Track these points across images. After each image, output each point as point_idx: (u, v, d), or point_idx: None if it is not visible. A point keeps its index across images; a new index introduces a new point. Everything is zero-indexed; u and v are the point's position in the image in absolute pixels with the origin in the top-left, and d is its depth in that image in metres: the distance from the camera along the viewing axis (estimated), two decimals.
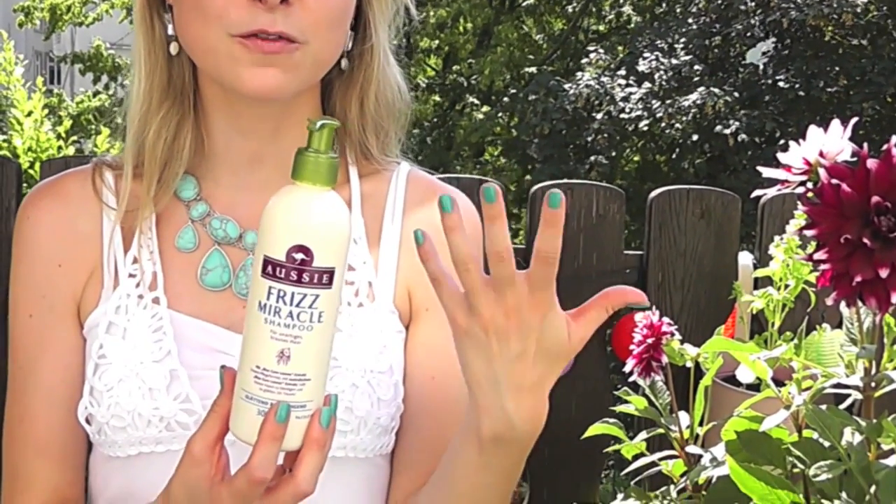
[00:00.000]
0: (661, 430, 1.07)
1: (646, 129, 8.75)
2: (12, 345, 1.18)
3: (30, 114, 3.37)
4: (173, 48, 1.12)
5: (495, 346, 0.91)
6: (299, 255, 0.86)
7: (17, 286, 1.18)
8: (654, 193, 2.16)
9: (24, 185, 1.81)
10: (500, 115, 10.82)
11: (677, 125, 8.45)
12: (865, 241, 0.77)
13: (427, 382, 1.15)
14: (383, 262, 1.16)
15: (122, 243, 1.15)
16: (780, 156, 0.91)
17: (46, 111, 3.60)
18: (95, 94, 9.83)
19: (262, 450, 0.88)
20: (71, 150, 3.50)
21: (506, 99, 10.35)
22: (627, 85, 8.99)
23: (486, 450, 0.99)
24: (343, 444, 1.09)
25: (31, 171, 3.05)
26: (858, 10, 8.15)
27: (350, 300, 1.13)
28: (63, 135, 3.61)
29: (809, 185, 0.88)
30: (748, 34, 8.84)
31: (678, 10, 10.35)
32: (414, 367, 1.15)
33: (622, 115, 8.78)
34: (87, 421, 1.11)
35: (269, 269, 0.87)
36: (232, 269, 1.14)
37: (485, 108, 11.84)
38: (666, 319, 1.07)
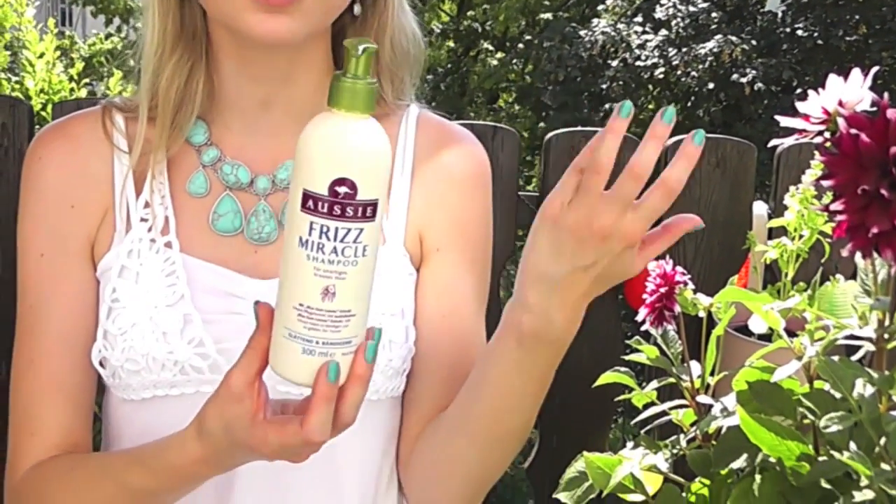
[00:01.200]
0: (672, 380, 1.07)
1: (661, 76, 8.70)
2: (22, 285, 1.17)
3: (42, 55, 3.37)
4: None
5: (571, 249, 0.91)
6: (343, 189, 0.83)
7: (27, 226, 1.17)
8: (669, 141, 2.14)
9: (37, 126, 1.80)
10: (514, 61, 10.76)
11: (693, 73, 8.40)
12: (883, 192, 0.76)
13: (438, 321, 1.15)
14: (394, 205, 1.16)
15: (133, 187, 1.15)
16: (799, 105, 0.90)
17: (58, 53, 3.58)
18: (107, 36, 9.79)
19: (317, 413, 0.88)
20: (83, 93, 3.49)
21: (520, 45, 10.30)
22: (644, 32, 8.93)
23: (525, 345, 0.99)
24: None
25: (42, 114, 3.04)
26: None
27: None
28: (75, 77, 3.60)
29: (827, 134, 0.88)
30: None
31: None
32: (425, 307, 1.16)
33: (638, 63, 8.73)
34: (101, 364, 1.12)
35: (310, 203, 0.84)
36: (243, 215, 1.14)
37: (499, 55, 11.77)
38: (679, 269, 1.07)
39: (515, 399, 1.06)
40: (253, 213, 1.14)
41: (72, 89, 3.43)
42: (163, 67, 1.14)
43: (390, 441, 1.18)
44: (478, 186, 1.21)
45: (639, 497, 0.99)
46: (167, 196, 1.15)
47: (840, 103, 0.87)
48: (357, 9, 1.14)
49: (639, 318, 1.09)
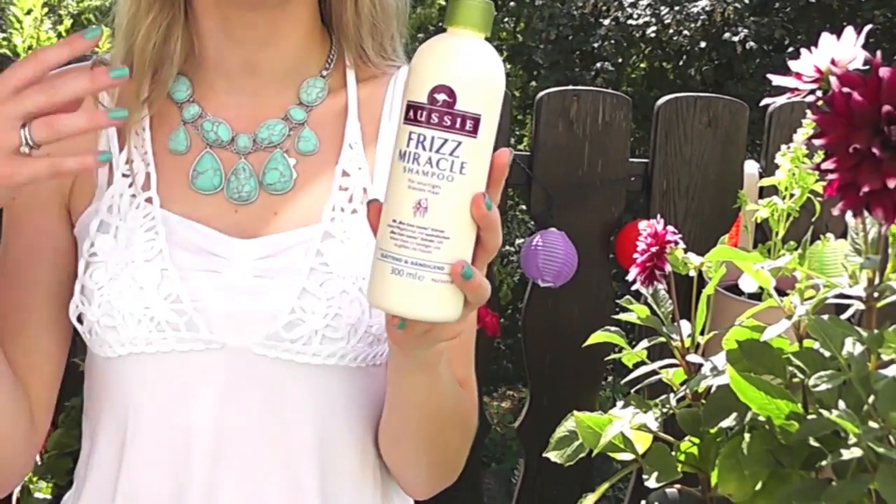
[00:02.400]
0: (662, 339, 1.08)
1: (653, 35, 8.65)
2: None
3: (29, 12, 3.33)
4: None
5: None
6: (441, 97, 0.81)
7: None
8: (660, 101, 2.15)
9: None
10: (505, 20, 10.70)
11: (685, 32, 8.36)
12: (875, 150, 0.76)
13: None
14: (379, 168, 1.15)
15: (116, 142, 1.14)
16: (791, 63, 0.90)
17: (46, 10, 3.55)
18: None
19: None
20: None
21: (512, 3, 10.23)
22: None
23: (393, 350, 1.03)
24: (333, 351, 1.09)
25: None
26: None
27: (343, 206, 1.12)
28: (63, 34, 3.57)
29: (819, 93, 0.87)
30: None
31: None
32: None
33: (630, 22, 8.68)
34: (79, 320, 1.11)
35: (411, 113, 0.82)
36: (223, 173, 1.13)
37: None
38: (670, 228, 1.07)
39: (413, 395, 1.08)
40: (233, 171, 1.13)
41: None
42: (138, 26, 1.12)
43: (376, 410, 1.18)
44: None
45: (629, 456, 1.00)
46: (149, 152, 1.14)
47: (832, 62, 0.87)
48: None
49: (629, 277, 1.09)
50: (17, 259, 1.15)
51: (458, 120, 0.82)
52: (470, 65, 0.83)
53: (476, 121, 0.82)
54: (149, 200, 1.12)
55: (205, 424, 1.10)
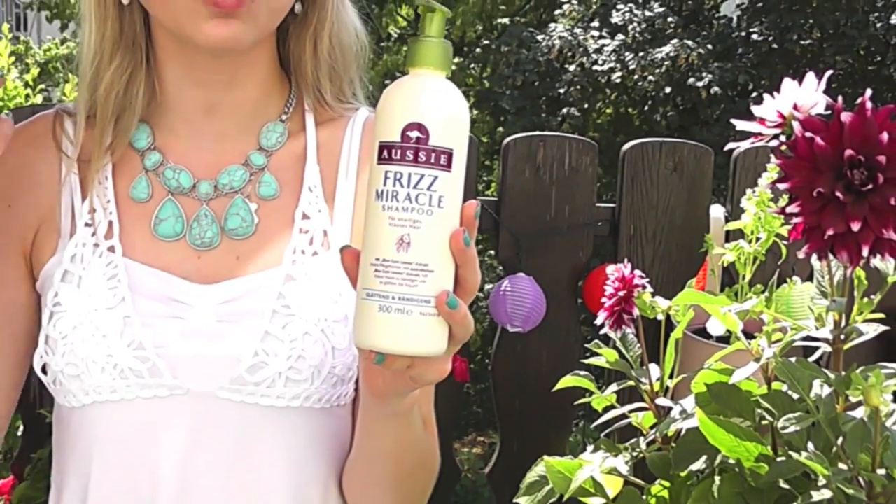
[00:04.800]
0: (631, 383, 1.08)
1: (618, 81, 8.74)
2: None
3: None
4: None
5: None
6: (414, 133, 0.83)
7: None
8: (626, 146, 2.16)
9: None
10: (472, 66, 10.76)
11: (650, 77, 8.44)
12: (838, 194, 0.77)
13: None
14: (339, 210, 1.16)
15: (80, 192, 1.14)
16: (755, 108, 0.91)
17: (13, 59, 3.55)
18: (63, 41, 9.71)
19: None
20: (39, 99, 3.46)
21: (478, 50, 10.29)
22: (601, 37, 8.97)
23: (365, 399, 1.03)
24: (297, 393, 1.09)
25: None
26: None
27: (304, 249, 1.13)
28: (31, 83, 3.56)
29: (783, 137, 0.88)
30: None
31: None
32: None
33: (595, 67, 8.76)
34: (44, 370, 1.11)
35: (385, 153, 0.84)
36: (185, 219, 1.13)
37: (457, 59, 11.76)
38: (637, 272, 1.08)
39: (384, 443, 1.08)
40: (195, 218, 1.13)
41: (27, 95, 3.39)
42: (101, 75, 1.13)
43: (341, 451, 1.17)
44: None
45: (599, 500, 0.99)
46: (112, 201, 1.14)
47: (795, 107, 0.88)
48: (298, 7, 1.14)
49: (598, 321, 1.09)
50: None
51: (433, 155, 0.83)
52: (438, 102, 0.85)
53: (449, 155, 0.84)
54: (111, 249, 1.12)
55: (170, 470, 1.09)
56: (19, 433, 2.11)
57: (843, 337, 0.89)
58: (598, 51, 8.82)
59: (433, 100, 0.85)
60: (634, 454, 1.02)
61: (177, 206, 1.14)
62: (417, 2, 0.87)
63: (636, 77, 8.53)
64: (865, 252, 0.77)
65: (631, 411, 1.08)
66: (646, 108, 9.23)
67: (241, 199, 1.14)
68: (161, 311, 1.09)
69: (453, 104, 0.86)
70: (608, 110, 10.16)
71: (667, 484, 0.98)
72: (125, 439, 1.09)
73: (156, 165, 1.15)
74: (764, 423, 0.90)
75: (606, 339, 1.11)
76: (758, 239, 1.21)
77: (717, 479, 0.88)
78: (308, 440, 1.13)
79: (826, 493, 0.80)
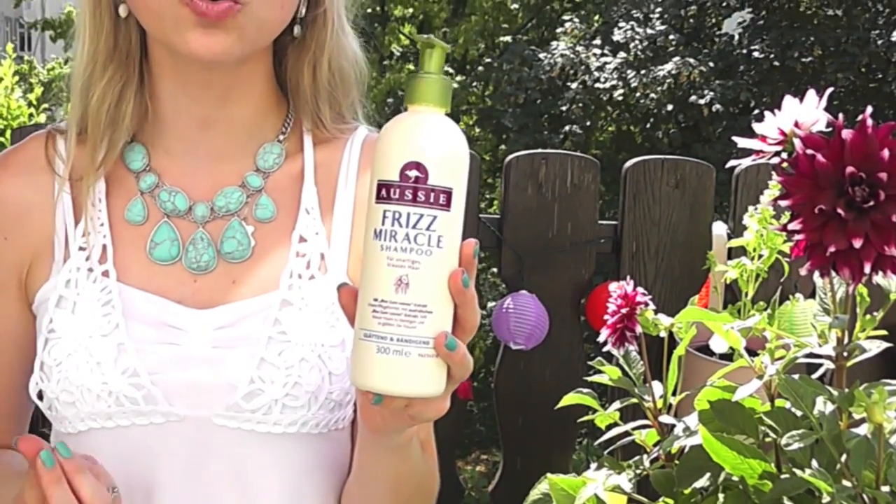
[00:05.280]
0: (634, 400, 1.08)
1: (620, 98, 8.75)
2: None
3: (0, 80, 3.34)
4: (122, 10, 1.09)
5: None
6: (413, 173, 0.82)
7: None
8: (628, 163, 2.16)
9: None
10: (474, 84, 10.78)
11: (652, 95, 8.46)
12: (840, 211, 0.77)
13: None
14: (336, 232, 1.14)
15: (73, 215, 1.14)
16: (756, 126, 0.91)
17: (17, 78, 3.56)
18: (66, 60, 9.73)
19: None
20: (42, 118, 3.47)
21: (480, 68, 10.33)
22: (602, 55, 8.99)
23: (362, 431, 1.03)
24: (293, 419, 1.08)
25: (1, 139, 3.02)
26: None
27: (301, 272, 1.12)
28: (34, 102, 3.58)
29: (784, 155, 0.89)
30: (724, 4, 8.84)
31: None
32: None
33: (597, 85, 8.78)
34: (39, 396, 1.11)
35: (383, 192, 0.83)
36: (181, 243, 1.12)
37: (459, 78, 11.79)
38: (640, 289, 1.08)
39: (382, 474, 1.07)
40: (191, 241, 1.12)
41: (31, 114, 3.41)
42: (92, 87, 1.12)
43: (339, 474, 1.16)
44: None
45: None
46: (106, 224, 1.13)
47: (796, 124, 0.88)
48: (297, 30, 1.13)
49: (601, 339, 1.09)
50: None
51: (432, 194, 0.82)
52: (437, 140, 0.84)
53: (448, 194, 0.83)
54: (105, 273, 1.11)
55: (167, 497, 1.09)
56: None
57: (846, 354, 0.89)
58: (600, 68, 8.84)
59: (432, 138, 0.84)
60: (638, 472, 1.02)
61: (172, 229, 1.13)
62: (417, 38, 0.86)
63: (638, 95, 8.54)
64: (867, 269, 0.77)
65: (634, 429, 1.07)
66: (648, 125, 9.25)
67: (237, 221, 1.13)
68: (155, 337, 1.08)
69: (452, 142, 0.85)
70: (610, 128, 10.17)
71: (671, 501, 0.98)
72: (121, 466, 1.08)
73: (151, 187, 1.14)
74: (767, 440, 0.90)
75: (609, 357, 1.11)
76: (760, 256, 1.21)
77: (720, 496, 0.88)
78: (305, 465, 1.12)
79: None
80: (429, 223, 0.82)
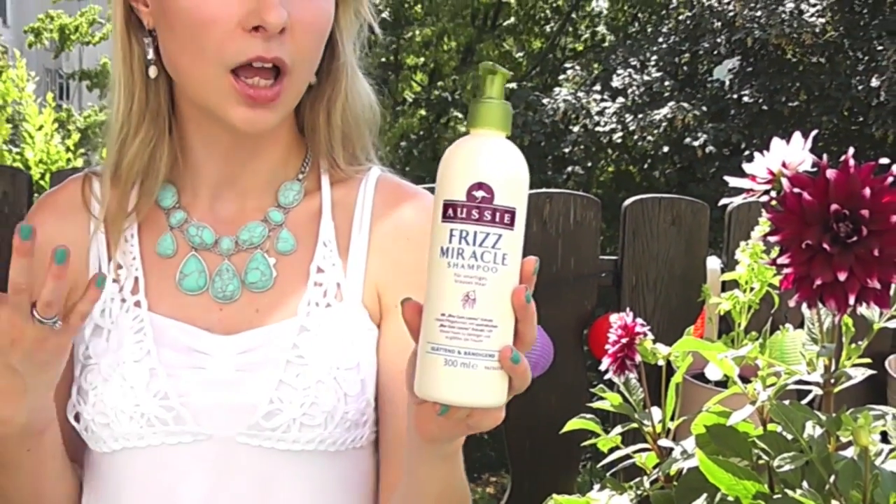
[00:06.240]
0: (634, 425, 1.07)
1: (619, 141, 8.77)
2: None
3: (41, 128, 3.37)
4: (152, 72, 1.10)
5: None
6: (480, 193, 0.80)
7: None
8: (627, 201, 2.17)
9: (35, 195, 1.80)
10: None
11: (649, 137, 8.47)
12: (825, 245, 0.77)
13: (397, 377, 1.13)
14: (352, 264, 1.15)
15: (106, 251, 1.16)
16: (746, 166, 0.91)
17: (56, 125, 3.59)
18: (102, 108, 9.80)
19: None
20: (79, 162, 3.49)
21: None
22: (602, 100, 9.02)
23: (413, 441, 0.99)
24: (311, 437, 1.08)
25: (41, 182, 3.04)
26: (817, 30, 8.18)
27: (318, 301, 1.12)
28: (72, 147, 3.60)
29: (773, 193, 0.89)
30: (715, 52, 8.87)
31: (649, 30, 10.40)
32: (385, 363, 1.14)
33: (597, 128, 8.80)
34: (76, 419, 1.11)
35: (450, 211, 0.81)
36: (208, 274, 1.14)
37: None
38: (639, 320, 1.08)
39: (430, 485, 1.04)
40: (217, 272, 1.14)
41: (69, 159, 3.43)
42: (127, 146, 1.13)
43: (358, 492, 1.16)
44: None
45: None
46: (138, 257, 1.15)
47: (784, 164, 0.89)
48: (313, 79, 1.14)
49: (602, 367, 1.09)
50: None
51: (498, 214, 0.81)
52: (502, 162, 0.83)
53: (512, 214, 0.82)
54: (137, 304, 1.12)
55: None
56: None
57: (833, 380, 0.89)
58: (600, 113, 8.87)
59: (497, 160, 0.83)
60: (639, 492, 1.02)
61: (200, 262, 1.14)
62: (482, 66, 0.85)
63: (636, 137, 8.56)
64: (852, 300, 0.77)
65: (635, 452, 1.07)
66: (645, 165, 9.27)
67: (260, 254, 1.14)
68: (183, 362, 1.09)
69: (516, 164, 0.83)
70: (610, 168, 10.19)
71: None
72: (152, 482, 1.10)
73: (180, 223, 1.16)
74: (761, 462, 0.90)
75: (611, 384, 1.11)
76: (752, 288, 1.21)
77: None
78: (325, 481, 1.12)
79: None
80: (494, 241, 0.81)
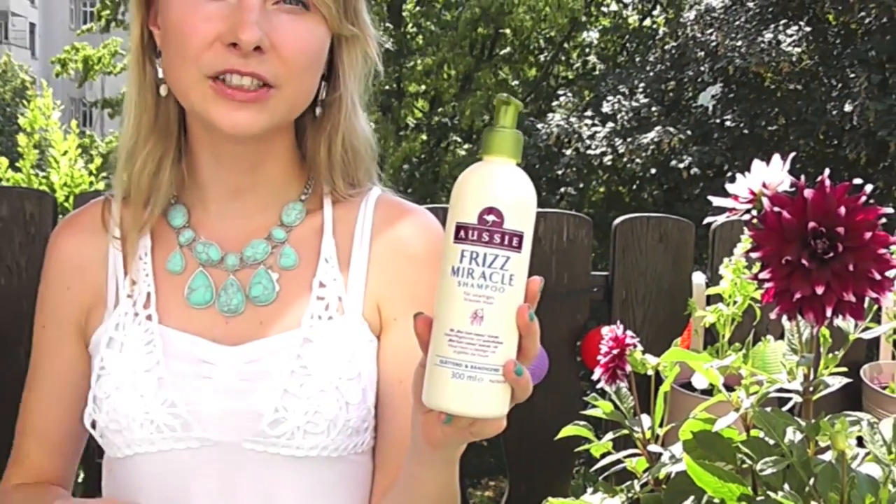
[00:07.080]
0: (625, 431, 1.07)
1: (610, 163, 8.78)
2: (32, 347, 1.23)
3: (65, 153, 3.38)
4: (163, 90, 1.11)
5: None
6: (490, 217, 0.81)
7: (39, 302, 1.22)
8: (617, 220, 2.17)
9: (60, 216, 1.80)
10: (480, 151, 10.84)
11: (637, 160, 8.49)
12: (804, 261, 0.77)
13: (395, 386, 1.13)
14: (353, 279, 1.15)
15: (122, 268, 1.17)
16: (729, 186, 0.92)
17: (80, 150, 3.59)
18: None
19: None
20: (101, 185, 3.49)
21: None
22: (593, 124, 9.04)
23: (418, 445, 0.98)
24: (315, 444, 1.08)
25: (66, 204, 3.04)
26: (794, 59, 8.20)
27: (321, 314, 1.12)
28: (94, 171, 3.60)
29: (754, 212, 0.89)
30: (699, 80, 8.90)
31: (637, 59, 10.43)
32: (385, 372, 1.14)
33: (589, 152, 8.82)
34: (92, 426, 1.12)
35: (462, 233, 0.82)
36: (214, 289, 1.14)
37: (466, 146, 11.85)
38: (629, 332, 1.08)
39: (429, 488, 1.04)
40: (223, 287, 1.14)
41: (91, 182, 3.43)
42: (135, 156, 1.14)
43: (359, 494, 1.16)
44: (431, 257, 1.16)
45: None
46: (150, 274, 1.16)
47: (764, 185, 0.89)
48: (318, 110, 1.15)
49: (595, 376, 1.09)
50: (47, 380, 1.20)
51: (507, 237, 0.82)
52: (512, 188, 0.83)
53: (520, 237, 0.83)
54: (149, 317, 1.13)
55: None
56: (80, 480, 2.11)
57: (812, 389, 0.89)
58: (592, 137, 8.88)
59: (508, 186, 0.83)
60: (630, 495, 1.02)
61: (207, 277, 1.14)
62: (497, 98, 0.86)
63: (625, 160, 8.58)
64: (829, 313, 0.77)
65: (626, 457, 1.07)
66: (634, 186, 9.28)
67: (263, 269, 1.14)
68: (191, 372, 1.10)
69: (525, 190, 0.84)
70: (601, 189, 10.20)
71: None
72: (163, 485, 1.10)
73: (189, 241, 1.16)
74: (745, 466, 0.90)
75: (603, 393, 1.11)
76: (735, 302, 1.21)
77: None
78: (327, 485, 1.12)
79: None
80: (503, 263, 0.82)
